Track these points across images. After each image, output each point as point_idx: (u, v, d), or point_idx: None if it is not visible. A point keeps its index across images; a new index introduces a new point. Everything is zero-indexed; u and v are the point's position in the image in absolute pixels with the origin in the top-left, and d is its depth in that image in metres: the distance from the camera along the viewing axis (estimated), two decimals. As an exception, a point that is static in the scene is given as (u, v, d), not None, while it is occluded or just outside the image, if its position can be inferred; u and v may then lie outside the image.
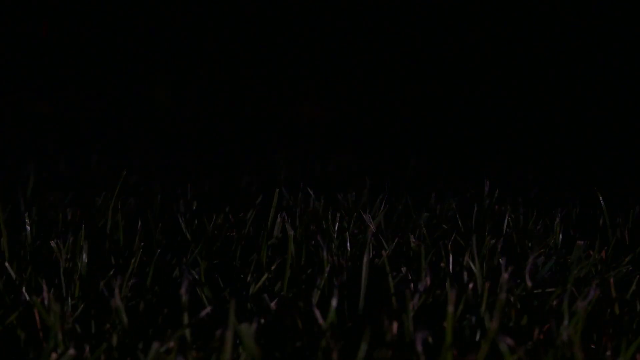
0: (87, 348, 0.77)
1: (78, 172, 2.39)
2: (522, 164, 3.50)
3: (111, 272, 1.01)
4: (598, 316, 0.95)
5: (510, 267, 0.90)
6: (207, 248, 1.16)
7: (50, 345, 0.71)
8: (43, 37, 7.29)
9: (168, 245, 1.26)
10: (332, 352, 0.70)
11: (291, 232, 1.04)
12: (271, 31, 7.44)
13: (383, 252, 1.03)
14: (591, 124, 6.09)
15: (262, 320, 0.85)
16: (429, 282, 0.93)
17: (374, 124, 6.66)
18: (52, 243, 1.05)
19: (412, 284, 0.99)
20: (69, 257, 1.04)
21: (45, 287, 0.83)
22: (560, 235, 1.35)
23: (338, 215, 1.32)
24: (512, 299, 0.89)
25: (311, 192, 1.59)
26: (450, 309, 0.69)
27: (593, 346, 0.88)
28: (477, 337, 0.83)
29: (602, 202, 1.44)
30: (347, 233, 1.23)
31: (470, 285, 0.87)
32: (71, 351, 0.68)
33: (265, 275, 1.00)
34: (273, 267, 1.06)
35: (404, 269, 1.05)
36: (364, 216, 1.24)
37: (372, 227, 1.18)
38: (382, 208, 1.44)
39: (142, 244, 1.14)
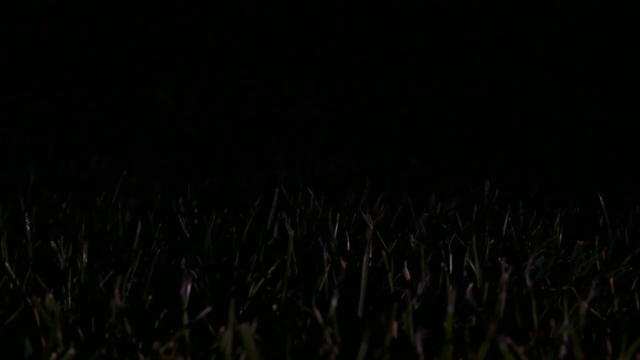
0: (87, 348, 0.77)
1: (78, 172, 2.39)
2: (522, 164, 3.50)
3: (111, 272, 1.01)
4: (598, 316, 0.95)
5: (510, 267, 0.90)
6: (207, 248, 1.16)
7: (50, 345, 0.71)
8: (43, 37, 7.29)
9: (168, 245, 1.26)
10: (332, 352, 0.70)
11: (291, 232, 1.04)
12: (271, 31, 7.43)
13: (383, 252, 1.03)
14: (591, 124, 6.09)
15: (262, 321, 0.85)
16: (428, 282, 0.93)
17: (374, 124, 6.66)
18: (52, 243, 1.06)
19: (412, 284, 0.99)
20: (69, 257, 1.04)
21: (45, 287, 0.83)
22: (560, 235, 1.35)
23: (338, 215, 1.32)
24: (512, 298, 0.89)
25: (311, 192, 1.59)
26: (450, 309, 0.69)
27: (593, 346, 0.88)
28: (477, 337, 0.83)
29: (602, 202, 1.45)
30: (347, 233, 1.23)
31: (470, 285, 0.87)
32: (71, 351, 0.68)
33: (265, 276, 1.00)
34: (273, 268, 1.06)
35: (404, 269, 1.05)
36: (364, 216, 1.24)
37: (372, 227, 1.18)
38: (382, 208, 1.44)
39: (142, 244, 1.14)
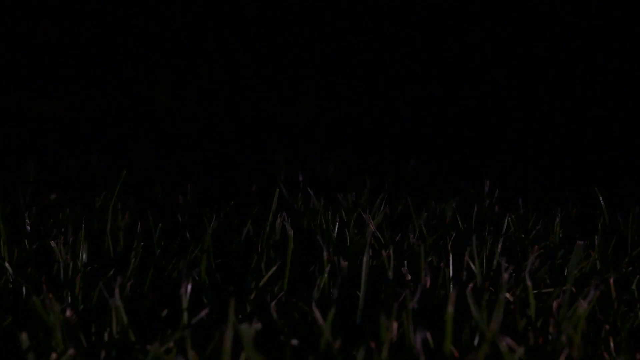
0: (87, 348, 0.77)
1: (78, 172, 2.39)
2: (522, 164, 3.50)
3: (111, 272, 1.01)
4: (598, 316, 0.95)
5: (511, 267, 0.90)
6: (206, 248, 1.16)
7: (50, 345, 0.71)
8: (43, 37, 7.29)
9: (168, 245, 1.26)
10: (332, 352, 0.70)
11: (291, 232, 1.04)
12: (271, 31, 7.43)
13: (383, 252, 1.03)
14: (591, 124, 6.09)
15: (262, 321, 0.85)
16: (428, 282, 0.93)
17: (374, 124, 6.66)
18: (52, 243, 1.05)
19: (411, 284, 0.99)
20: (69, 257, 1.04)
21: (45, 287, 0.83)
22: (560, 235, 1.35)
23: (338, 215, 1.32)
24: (512, 299, 0.89)
25: (311, 192, 1.59)
26: (450, 309, 0.69)
27: (593, 346, 0.88)
28: (477, 338, 0.83)
29: (602, 202, 1.45)
30: (347, 233, 1.23)
31: (470, 285, 0.86)
32: (71, 351, 0.68)
33: (266, 277, 1.00)
34: (273, 268, 1.06)
35: (404, 269, 1.05)
36: (364, 216, 1.24)
37: (372, 227, 1.18)
38: (382, 208, 1.44)
39: (142, 243, 1.14)
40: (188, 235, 1.29)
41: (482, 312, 0.81)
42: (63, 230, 1.28)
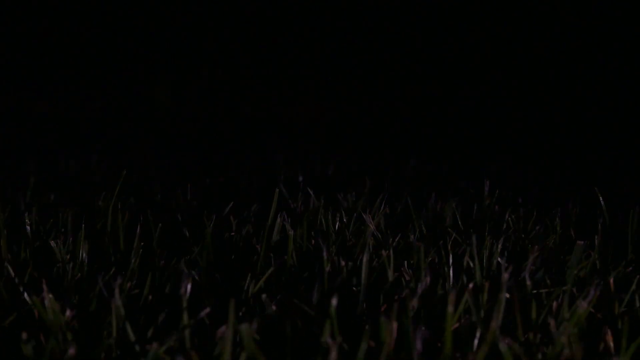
0: (87, 348, 0.77)
1: (78, 172, 2.39)
2: (522, 164, 3.50)
3: (111, 272, 1.01)
4: (598, 316, 0.95)
5: (511, 267, 0.90)
6: (206, 248, 1.16)
7: (50, 345, 0.71)
8: (43, 37, 7.29)
9: (168, 245, 1.26)
10: (332, 352, 0.70)
11: (291, 232, 1.04)
12: (271, 31, 7.44)
13: (383, 252, 1.03)
14: (591, 124, 6.09)
15: (262, 321, 0.85)
16: (428, 282, 0.93)
17: (374, 124, 6.66)
18: (52, 243, 1.05)
19: (411, 284, 0.99)
20: (69, 257, 1.04)
21: (45, 287, 0.83)
22: (560, 235, 1.35)
23: (338, 215, 1.32)
24: (511, 299, 0.89)
25: (311, 192, 1.59)
26: (450, 309, 0.69)
27: (593, 346, 0.88)
28: (477, 338, 0.83)
29: (602, 202, 1.44)
30: (347, 232, 1.23)
31: (470, 285, 0.86)
32: (71, 351, 0.68)
33: (265, 276, 1.00)
34: (273, 268, 1.06)
35: (404, 269, 1.05)
36: (364, 216, 1.24)
37: (372, 227, 1.18)
38: (382, 208, 1.44)
39: (142, 243, 1.14)
40: (188, 235, 1.29)
41: (482, 312, 0.81)
42: (63, 230, 1.28)
